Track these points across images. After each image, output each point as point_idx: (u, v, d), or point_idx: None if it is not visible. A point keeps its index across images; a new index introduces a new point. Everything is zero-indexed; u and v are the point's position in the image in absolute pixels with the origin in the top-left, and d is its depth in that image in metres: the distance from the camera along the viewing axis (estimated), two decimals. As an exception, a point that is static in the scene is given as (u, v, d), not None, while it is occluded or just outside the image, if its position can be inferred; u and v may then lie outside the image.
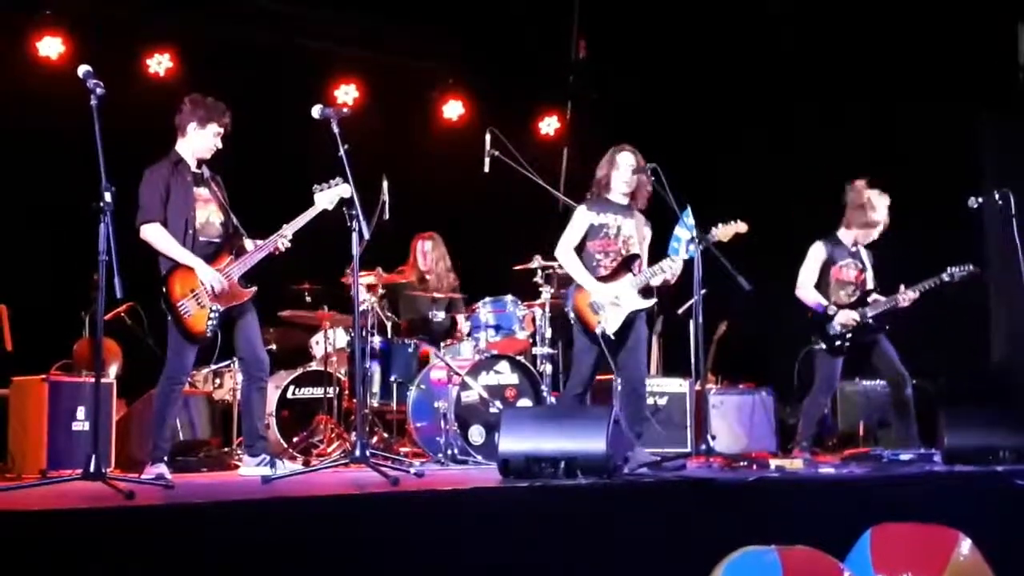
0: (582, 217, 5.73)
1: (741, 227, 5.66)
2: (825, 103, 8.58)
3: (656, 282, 5.70)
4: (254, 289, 5.30)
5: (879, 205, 6.50)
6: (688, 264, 5.68)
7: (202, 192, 5.29)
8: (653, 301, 5.72)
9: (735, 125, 9.04)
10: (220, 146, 5.33)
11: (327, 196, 5.27)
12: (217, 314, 5.16)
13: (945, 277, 6.32)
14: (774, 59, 8.74)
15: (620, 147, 5.79)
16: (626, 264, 5.67)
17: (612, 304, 5.56)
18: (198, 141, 5.29)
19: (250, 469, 5.26)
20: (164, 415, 5.14)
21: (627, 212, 5.76)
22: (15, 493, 4.09)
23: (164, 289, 5.12)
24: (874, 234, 6.59)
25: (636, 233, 5.76)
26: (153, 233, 5.13)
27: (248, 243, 5.36)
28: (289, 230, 5.31)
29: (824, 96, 8.59)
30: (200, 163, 5.35)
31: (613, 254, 5.69)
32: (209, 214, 5.29)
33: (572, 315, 5.68)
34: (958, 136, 8.18)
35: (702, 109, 9.10)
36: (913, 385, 6.40)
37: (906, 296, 6.36)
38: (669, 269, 5.65)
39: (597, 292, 5.58)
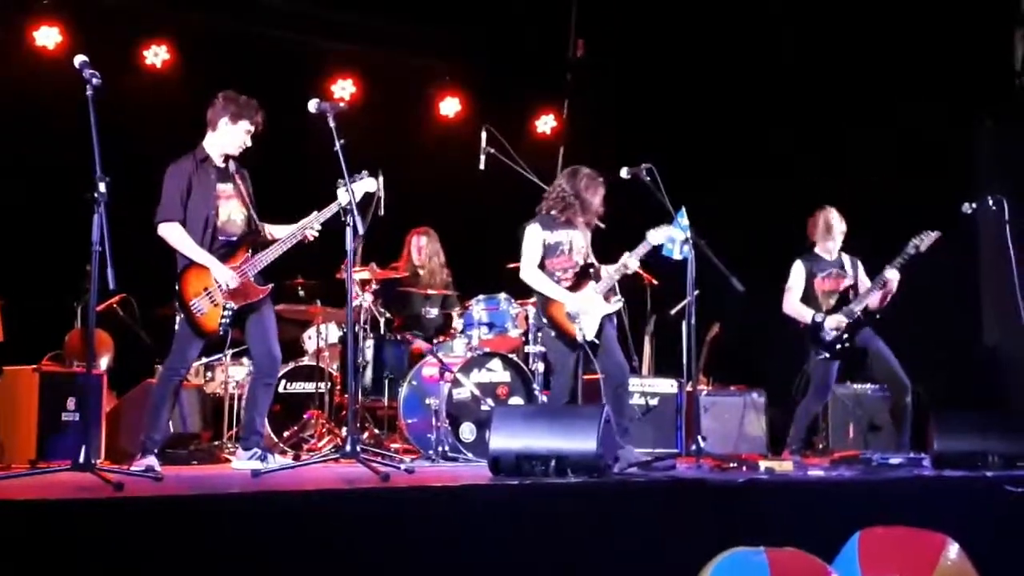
0: (536, 235, 5.89)
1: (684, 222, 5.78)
2: (824, 106, 8.58)
3: (618, 277, 5.91)
4: (270, 287, 5.29)
5: (833, 221, 6.74)
6: (682, 265, 5.70)
7: (226, 188, 5.27)
8: (621, 302, 5.93)
9: (733, 126, 9.03)
10: (250, 144, 5.32)
11: (354, 188, 5.21)
12: (231, 312, 5.15)
13: (911, 250, 6.42)
14: (774, 60, 8.74)
15: (597, 175, 5.92)
16: (583, 275, 5.88)
17: (585, 312, 5.76)
18: (228, 137, 5.26)
19: (242, 462, 5.26)
20: (160, 406, 5.15)
21: (572, 225, 5.94)
22: (4, 483, 4.07)
23: (177, 287, 5.11)
24: (833, 245, 6.76)
25: (585, 241, 5.96)
26: (170, 232, 5.13)
27: (268, 232, 5.33)
28: (317, 222, 5.28)
29: (823, 99, 8.59)
30: (227, 158, 5.32)
31: (571, 269, 5.91)
32: (231, 211, 5.28)
33: (549, 326, 5.85)
34: (954, 141, 8.20)
35: (700, 109, 9.09)
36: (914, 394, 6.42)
37: (887, 276, 6.41)
38: (627, 268, 5.84)
39: (571, 302, 5.78)
